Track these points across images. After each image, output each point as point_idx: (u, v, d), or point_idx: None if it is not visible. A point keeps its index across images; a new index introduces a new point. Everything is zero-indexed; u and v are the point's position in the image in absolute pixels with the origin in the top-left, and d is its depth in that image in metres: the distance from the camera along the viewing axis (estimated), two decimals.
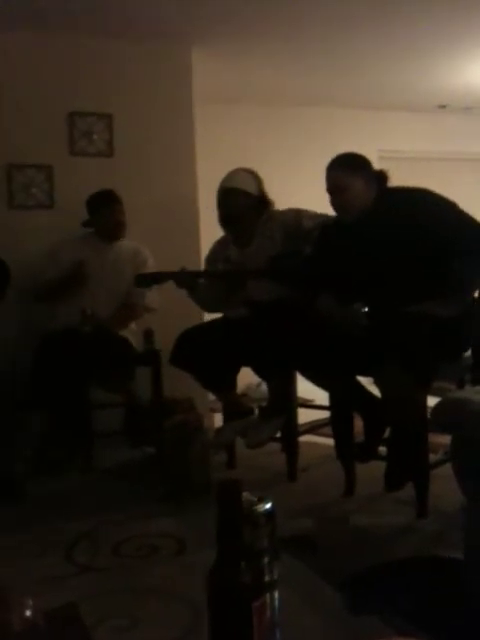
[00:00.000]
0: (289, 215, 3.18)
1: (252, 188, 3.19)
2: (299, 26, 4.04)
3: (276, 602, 1.19)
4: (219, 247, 3.37)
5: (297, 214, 3.16)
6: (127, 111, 4.13)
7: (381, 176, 2.78)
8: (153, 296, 3.56)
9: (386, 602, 1.71)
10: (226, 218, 3.24)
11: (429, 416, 2.53)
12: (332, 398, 2.93)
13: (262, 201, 3.22)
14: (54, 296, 3.56)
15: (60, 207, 3.96)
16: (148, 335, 3.64)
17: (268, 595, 1.14)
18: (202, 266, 3.91)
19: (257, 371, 3.27)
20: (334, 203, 2.79)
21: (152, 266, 3.64)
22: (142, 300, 3.59)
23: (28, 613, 1.10)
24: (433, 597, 1.78)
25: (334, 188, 2.75)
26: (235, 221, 3.22)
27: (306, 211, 3.16)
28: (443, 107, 5.88)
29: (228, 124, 5.30)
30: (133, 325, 3.70)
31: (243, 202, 3.17)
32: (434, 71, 4.98)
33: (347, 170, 2.73)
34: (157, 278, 3.20)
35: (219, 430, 3.34)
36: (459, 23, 4.05)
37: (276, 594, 1.19)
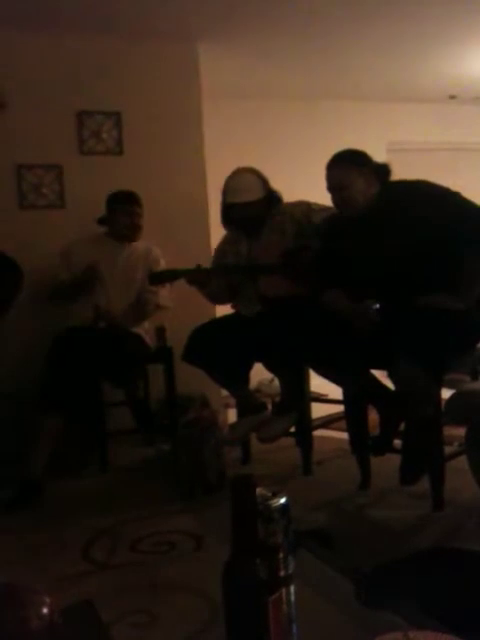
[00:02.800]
0: (300, 208, 3.15)
1: (256, 193, 3.13)
2: (305, 20, 4.02)
3: (292, 597, 1.19)
4: (230, 239, 3.36)
5: (307, 208, 3.14)
6: (136, 109, 4.13)
7: (384, 170, 2.76)
8: (165, 294, 3.56)
9: (403, 595, 1.70)
10: (232, 227, 3.27)
11: (443, 408, 2.53)
12: (346, 392, 2.92)
13: (270, 199, 3.18)
14: (67, 298, 3.55)
15: (71, 207, 3.96)
16: (160, 332, 3.64)
17: (284, 590, 1.14)
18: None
19: (269, 367, 3.27)
20: (336, 201, 2.78)
21: (163, 266, 3.65)
22: (155, 298, 3.59)
23: (45, 610, 1.10)
24: (450, 590, 1.77)
25: (334, 186, 2.73)
26: (242, 229, 3.23)
27: (316, 204, 3.14)
28: (453, 97, 5.84)
29: (236, 120, 5.28)
30: (146, 323, 3.70)
31: (248, 213, 3.15)
32: (443, 61, 4.94)
33: (346, 168, 2.71)
34: (170, 276, 3.19)
35: (233, 426, 3.34)
36: (469, 12, 4.02)
37: (292, 589, 1.19)
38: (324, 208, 3.09)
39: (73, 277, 3.53)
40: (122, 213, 3.60)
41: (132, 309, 3.57)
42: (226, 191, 3.18)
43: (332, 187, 2.75)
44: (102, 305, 3.39)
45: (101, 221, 3.67)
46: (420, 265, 2.57)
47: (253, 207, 3.13)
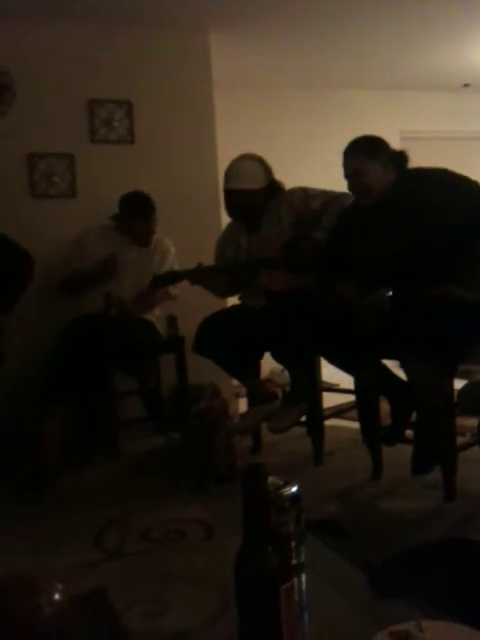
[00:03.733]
0: (297, 196, 3.11)
1: (258, 181, 3.12)
2: (318, 9, 3.99)
3: (303, 586, 1.18)
4: (230, 232, 3.35)
5: (304, 194, 3.10)
6: (147, 98, 4.12)
7: (401, 157, 2.73)
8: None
9: (415, 586, 1.69)
10: (232, 214, 3.26)
11: (456, 399, 2.52)
12: (357, 382, 2.91)
13: (272, 188, 3.16)
14: (79, 288, 3.55)
15: (82, 195, 3.96)
16: (172, 321, 3.64)
17: (295, 579, 1.14)
18: None
19: (277, 357, 3.26)
20: (352, 187, 2.76)
21: (174, 255, 3.63)
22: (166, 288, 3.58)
23: (57, 598, 1.11)
24: (463, 581, 1.76)
25: (352, 173, 2.71)
26: (241, 217, 3.21)
27: (312, 189, 3.11)
28: (467, 86, 5.79)
29: (247, 109, 5.26)
30: (156, 311, 3.70)
31: (248, 201, 3.13)
32: (457, 49, 4.90)
33: (364, 154, 2.69)
34: (173, 278, 3.19)
35: (244, 415, 3.34)
36: None
37: (303, 578, 1.19)
38: (321, 192, 3.06)
39: (89, 268, 3.52)
40: (139, 222, 3.58)
41: (141, 296, 3.56)
42: (228, 175, 3.17)
43: (348, 174, 2.73)
44: (114, 293, 3.38)
45: (114, 219, 3.66)
46: (434, 255, 2.54)
47: (252, 196, 3.11)
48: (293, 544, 1.19)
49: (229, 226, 3.39)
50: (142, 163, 4.02)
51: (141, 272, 3.54)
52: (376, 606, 1.56)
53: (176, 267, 3.51)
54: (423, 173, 2.70)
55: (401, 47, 4.77)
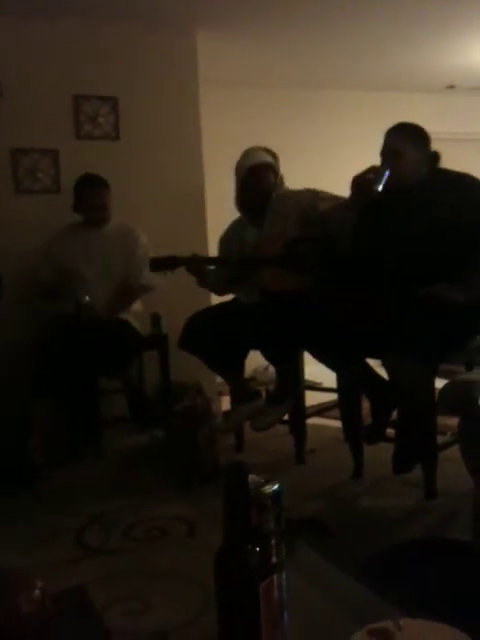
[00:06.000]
0: (305, 196, 3.11)
1: (272, 161, 3.18)
2: (304, 8, 4.00)
3: (283, 584, 1.19)
4: (235, 227, 3.34)
5: (314, 196, 3.10)
6: (133, 95, 4.11)
7: (434, 156, 2.74)
8: (149, 274, 3.45)
9: (396, 584, 1.71)
10: (254, 197, 3.19)
11: (437, 398, 2.53)
12: (340, 380, 2.92)
13: (277, 175, 3.21)
14: (48, 297, 3.58)
15: (67, 191, 3.94)
16: (156, 319, 3.63)
17: (275, 577, 1.14)
18: (209, 251, 3.90)
19: (265, 354, 3.27)
20: (385, 168, 2.70)
21: (145, 243, 3.63)
22: (138, 280, 3.57)
23: (37, 595, 1.11)
24: (443, 579, 1.78)
25: (389, 151, 2.70)
26: (262, 200, 3.18)
27: (323, 192, 3.11)
28: (451, 87, 5.82)
29: (235, 107, 5.25)
30: (139, 307, 3.69)
31: (273, 179, 3.16)
32: (442, 51, 4.93)
33: (408, 137, 2.70)
34: (170, 263, 3.15)
35: (227, 414, 3.34)
36: (467, 2, 4.00)
37: (283, 576, 1.20)
38: (332, 197, 3.06)
39: (53, 276, 3.56)
40: (88, 195, 3.60)
41: (115, 295, 3.55)
42: (244, 160, 3.19)
43: (386, 151, 2.71)
44: (83, 300, 3.38)
45: (74, 208, 3.66)
46: (446, 257, 2.55)
47: (273, 171, 3.15)
48: (273, 542, 1.20)
49: (233, 223, 3.38)
50: (127, 160, 4.01)
51: (109, 261, 3.55)
52: (356, 604, 1.57)
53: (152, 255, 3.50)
54: (455, 175, 2.69)
55: (387, 49, 4.79)
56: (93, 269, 3.56)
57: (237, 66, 4.90)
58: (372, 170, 2.66)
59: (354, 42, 4.62)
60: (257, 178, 3.15)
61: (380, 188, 2.60)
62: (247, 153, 3.21)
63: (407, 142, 2.69)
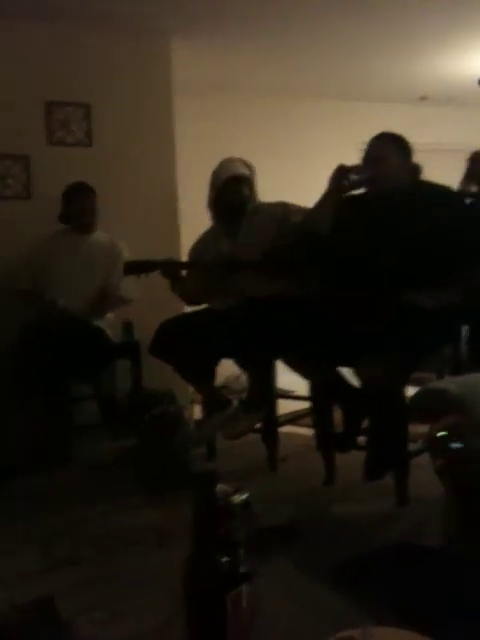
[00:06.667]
0: (278, 209, 3.15)
1: (249, 173, 3.20)
2: (278, 18, 4.03)
3: (253, 593, 1.18)
4: (208, 238, 3.33)
5: (285, 208, 3.14)
6: (106, 101, 4.10)
7: (416, 168, 2.77)
8: (129, 287, 3.52)
9: (368, 591, 1.71)
10: (231, 207, 3.20)
11: (408, 405, 2.55)
12: (313, 388, 2.92)
13: (253, 186, 3.23)
14: (26, 302, 3.59)
15: (38, 198, 3.91)
16: (127, 326, 3.61)
17: (244, 586, 1.14)
18: (181, 258, 3.88)
19: (239, 361, 3.26)
20: (367, 176, 2.74)
21: (127, 257, 3.62)
22: (117, 291, 3.57)
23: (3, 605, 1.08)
24: (415, 586, 1.78)
25: (373, 157, 2.72)
26: (237, 209, 3.19)
27: (293, 205, 3.14)
28: (424, 99, 5.89)
29: (209, 115, 5.26)
30: (111, 316, 3.68)
31: (247, 192, 3.17)
32: (415, 62, 4.99)
33: (392, 145, 2.74)
34: (146, 267, 3.14)
35: (200, 424, 3.32)
36: (440, 14, 4.06)
37: (253, 585, 1.19)
38: (301, 209, 3.08)
39: (33, 283, 3.57)
40: (76, 201, 3.63)
41: (93, 303, 3.54)
42: (222, 170, 3.20)
43: (369, 157, 2.73)
44: (58, 302, 3.37)
45: (61, 217, 3.68)
46: (413, 265, 2.56)
47: (249, 183, 3.17)
48: (242, 551, 1.19)
49: (206, 233, 3.37)
50: (100, 167, 3.99)
51: (92, 268, 3.54)
52: (327, 612, 1.57)
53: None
54: (434, 189, 2.72)
55: (361, 57, 4.84)
56: (76, 274, 3.56)
57: (212, 74, 4.91)
58: (355, 168, 2.70)
59: (328, 51, 4.67)
60: (232, 190, 3.16)
61: (357, 179, 2.64)
62: (224, 164, 3.22)
63: (390, 150, 2.73)
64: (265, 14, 3.98)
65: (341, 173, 2.75)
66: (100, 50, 4.05)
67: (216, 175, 3.22)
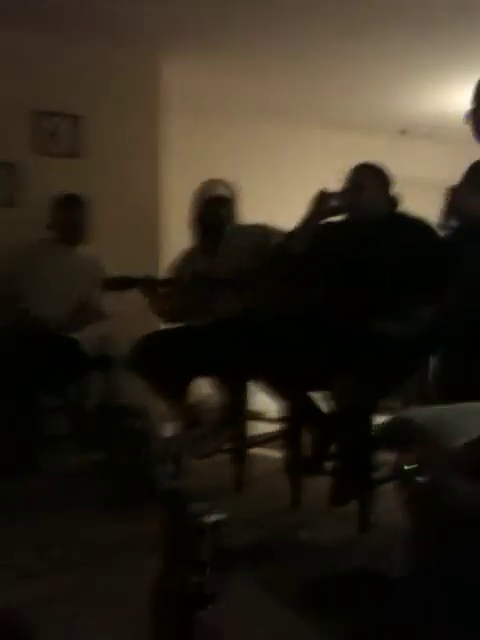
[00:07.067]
0: (257, 230, 3.21)
1: (231, 194, 3.27)
2: (262, 42, 4.13)
3: (218, 613, 1.20)
4: (186, 257, 3.37)
5: (265, 231, 3.19)
6: (94, 113, 4.13)
7: (393, 200, 2.85)
8: (108, 303, 3.53)
9: (329, 617, 1.73)
10: (211, 227, 3.27)
11: (378, 433, 2.58)
12: (284, 410, 2.95)
13: (234, 208, 3.30)
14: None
15: (22, 206, 3.92)
16: (103, 340, 3.61)
17: (210, 606, 1.15)
18: (160, 273, 3.90)
19: (213, 380, 3.28)
20: (346, 204, 2.81)
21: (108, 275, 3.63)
22: (99, 305, 3.57)
23: None
24: (372, 614, 1.81)
25: (353, 185, 2.79)
26: (218, 231, 3.25)
27: (273, 228, 3.19)
28: (404, 133, 5.98)
29: (200, 134, 5.30)
30: (91, 329, 3.66)
31: (230, 212, 3.24)
32: (394, 96, 5.08)
33: (374, 175, 2.82)
34: (125, 283, 3.15)
35: (168, 440, 3.33)
36: (423, 50, 4.16)
37: (218, 605, 1.21)
38: (280, 232, 3.12)
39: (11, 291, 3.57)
40: (68, 215, 3.66)
41: (75, 313, 3.54)
42: (205, 190, 3.27)
43: (350, 185, 2.80)
44: (31, 310, 3.37)
45: (49, 227, 3.66)
46: (384, 296, 2.61)
47: (230, 205, 3.24)
48: (210, 571, 1.21)
49: (185, 251, 3.40)
50: (86, 177, 4.01)
51: (74, 281, 3.54)
52: (292, 633, 1.59)
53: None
54: (409, 222, 2.79)
55: (344, 84, 4.92)
56: (58, 284, 3.56)
57: (200, 92, 4.94)
58: (338, 194, 2.76)
59: (314, 77, 4.76)
60: (213, 211, 3.24)
61: (336, 206, 2.70)
62: (206, 185, 3.29)
63: (371, 179, 2.81)
64: (253, 37, 4.06)
65: (322, 198, 2.81)
66: (90, 62, 4.09)
67: (197, 195, 3.28)
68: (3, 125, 3.89)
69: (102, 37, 3.99)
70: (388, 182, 2.86)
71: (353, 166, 2.86)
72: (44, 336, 3.35)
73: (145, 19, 3.79)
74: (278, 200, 5.04)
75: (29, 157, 3.99)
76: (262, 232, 3.18)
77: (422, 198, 6.21)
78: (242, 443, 3.23)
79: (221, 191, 3.26)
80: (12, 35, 3.84)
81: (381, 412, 2.62)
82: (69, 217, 3.66)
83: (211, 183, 3.30)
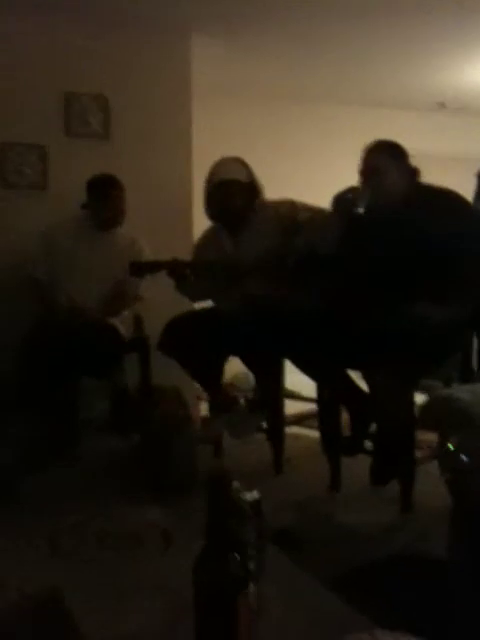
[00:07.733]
0: (284, 206, 3.12)
1: (243, 175, 3.14)
2: (297, 21, 4.03)
3: (259, 593, 1.18)
4: (211, 235, 3.32)
5: (292, 206, 3.11)
6: (124, 95, 4.10)
7: (414, 173, 2.76)
8: (144, 286, 3.50)
9: (370, 601, 1.70)
10: (221, 212, 3.18)
11: (417, 413, 2.54)
12: (320, 390, 2.92)
13: (253, 188, 3.17)
14: (39, 295, 3.55)
15: (53, 188, 3.91)
16: (138, 322, 3.61)
17: (252, 585, 1.13)
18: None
19: (246, 362, 3.26)
20: (364, 185, 2.74)
21: (148, 256, 3.61)
22: (136, 290, 3.55)
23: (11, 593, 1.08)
24: (419, 595, 1.78)
25: (370, 170, 2.72)
26: (230, 214, 3.17)
27: (301, 203, 3.12)
28: (442, 105, 5.87)
29: (230, 116, 5.25)
30: (125, 312, 3.66)
31: (237, 192, 3.12)
32: (433, 69, 4.97)
33: (388, 154, 2.73)
34: (152, 267, 3.14)
35: (206, 423, 3.31)
36: (459, 22, 4.05)
37: (260, 584, 1.19)
38: (309, 207, 3.07)
39: (49, 274, 3.51)
40: (106, 198, 3.55)
41: (112, 299, 3.53)
42: (214, 173, 3.17)
43: (367, 170, 2.73)
44: (73, 301, 3.36)
45: (84, 207, 3.62)
46: (425, 275, 2.55)
47: (241, 188, 3.11)
48: (252, 551, 1.19)
49: (210, 230, 3.34)
50: (116, 159, 3.99)
51: (112, 266, 3.51)
52: (331, 617, 1.56)
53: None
54: (434, 193, 2.70)
55: (379, 62, 4.82)
56: (95, 270, 3.51)
57: (232, 75, 4.89)
58: (352, 190, 2.68)
59: (346, 55, 4.65)
60: (223, 195, 3.13)
61: (361, 209, 2.62)
62: (215, 167, 3.18)
63: (387, 160, 2.71)
64: (284, 18, 3.97)
65: (339, 203, 2.73)
66: (119, 43, 4.04)
67: (209, 177, 3.20)
68: (36, 108, 3.89)
69: (132, 19, 3.93)
70: (404, 156, 2.76)
71: (365, 149, 2.77)
72: (86, 324, 3.33)
73: (176, 1, 3.73)
74: (315, 180, 4.98)
75: (62, 140, 3.98)
76: (289, 207, 3.10)
77: (462, 172, 6.11)
78: (279, 423, 3.20)
79: (229, 174, 3.14)
80: (42, 20, 3.82)
81: (422, 391, 2.57)
82: (106, 202, 3.59)
83: (220, 165, 3.18)
